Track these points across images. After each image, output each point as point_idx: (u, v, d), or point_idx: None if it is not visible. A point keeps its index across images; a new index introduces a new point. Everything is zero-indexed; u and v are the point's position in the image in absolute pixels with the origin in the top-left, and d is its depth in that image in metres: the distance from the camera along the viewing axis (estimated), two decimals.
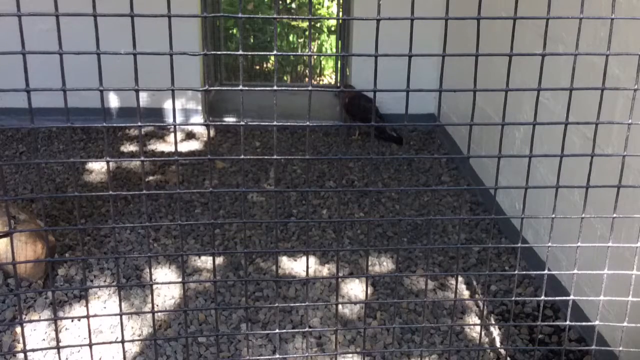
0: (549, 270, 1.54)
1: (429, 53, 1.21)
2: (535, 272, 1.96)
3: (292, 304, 2.35)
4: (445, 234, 3.75)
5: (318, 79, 7.68)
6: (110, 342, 1.50)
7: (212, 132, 5.20)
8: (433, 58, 4.99)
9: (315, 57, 7.56)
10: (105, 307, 3.02)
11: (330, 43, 8.04)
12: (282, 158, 2.22)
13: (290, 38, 8.09)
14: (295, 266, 3.42)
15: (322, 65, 7.80)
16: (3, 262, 3.07)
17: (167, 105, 5.24)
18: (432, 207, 4.19)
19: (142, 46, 1.11)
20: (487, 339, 2.94)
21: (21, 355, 2.73)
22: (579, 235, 1.44)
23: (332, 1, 8.15)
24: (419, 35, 1.30)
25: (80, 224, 2.04)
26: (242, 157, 1.26)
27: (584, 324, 2.79)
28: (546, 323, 2.99)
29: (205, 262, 3.39)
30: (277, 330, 1.46)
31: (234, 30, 7.64)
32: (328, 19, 1.90)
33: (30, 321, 1.82)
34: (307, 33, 7.86)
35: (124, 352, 1.48)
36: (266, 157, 1.36)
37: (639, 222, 2.31)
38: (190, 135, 5.12)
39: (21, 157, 4.62)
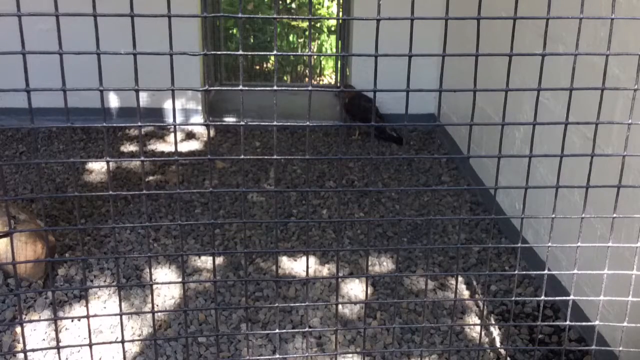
0: (549, 270, 1.54)
1: (429, 53, 1.21)
2: (535, 272, 1.96)
3: (292, 304, 2.35)
4: (445, 234, 3.75)
5: (318, 79, 7.68)
6: (110, 342, 1.50)
7: (212, 132, 5.20)
8: (433, 58, 4.99)
9: (315, 57, 7.56)
10: (105, 307, 3.02)
11: (330, 43, 8.04)
12: (282, 158, 2.22)
13: (290, 38, 8.09)
14: (295, 266, 3.42)
15: (322, 65, 7.80)
16: (3, 262, 3.07)
17: (167, 105, 5.24)
18: (432, 207, 4.19)
19: (142, 46, 1.11)
20: (487, 339, 2.94)
21: (21, 355, 2.73)
22: (579, 235, 1.44)
23: (332, 1, 8.16)
24: (419, 35, 1.30)
25: (80, 224, 2.05)
26: (242, 157, 1.26)
27: (584, 324, 2.79)
28: (546, 323, 2.99)
29: (205, 262, 3.39)
30: (277, 330, 1.46)
31: (234, 30, 7.64)
32: (328, 19, 1.90)
33: (30, 321, 1.82)
34: (307, 33, 7.86)
35: (124, 352, 1.48)
36: (266, 157, 1.36)
37: (639, 222, 2.31)
38: (190, 135, 5.12)
39: (21, 157, 4.62)
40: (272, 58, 6.78)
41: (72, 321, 2.91)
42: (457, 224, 3.82)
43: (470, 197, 4.21)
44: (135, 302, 3.08)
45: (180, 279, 3.30)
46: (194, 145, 4.97)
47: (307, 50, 6.14)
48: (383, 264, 3.47)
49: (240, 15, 1.12)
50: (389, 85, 1.40)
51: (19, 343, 2.77)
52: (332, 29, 7.78)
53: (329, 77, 7.72)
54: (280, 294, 3.16)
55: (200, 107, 5.30)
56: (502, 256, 3.55)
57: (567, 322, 1.55)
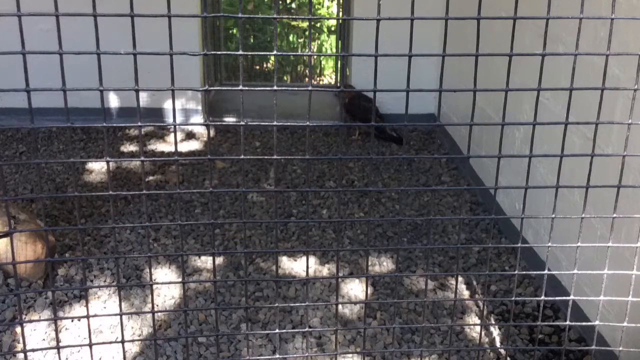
0: (549, 270, 1.54)
1: (429, 53, 1.21)
2: (535, 272, 1.96)
3: (292, 304, 2.35)
4: (445, 234, 3.75)
5: (318, 79, 7.68)
6: (110, 342, 1.50)
7: (212, 132, 5.20)
8: (433, 58, 4.99)
9: (315, 57, 7.56)
10: (105, 307, 3.02)
11: (330, 43, 8.04)
12: (282, 158, 2.22)
13: (290, 38, 8.09)
14: (295, 266, 3.42)
15: (322, 65, 7.80)
16: (3, 262, 3.07)
17: (167, 105, 5.24)
18: (432, 207, 4.20)
19: (142, 46, 1.11)
20: (487, 339, 2.94)
21: (21, 355, 2.73)
22: (579, 235, 1.44)
23: (332, 1, 8.16)
24: (419, 35, 1.30)
25: (80, 224, 2.05)
26: (242, 157, 1.26)
27: (584, 324, 2.79)
28: (546, 323, 2.99)
29: (205, 262, 3.39)
30: (277, 330, 1.46)
31: (234, 30, 7.64)
32: (328, 19, 1.90)
33: (30, 321, 1.82)
34: (307, 33, 7.86)
35: (124, 352, 1.48)
36: (266, 157, 1.36)
37: (639, 222, 2.31)
38: (190, 135, 5.12)
39: (21, 157, 4.62)
40: (272, 58, 6.77)
41: (72, 321, 2.91)
42: (457, 224, 3.82)
43: (470, 197, 4.21)
44: (135, 302, 3.08)
45: (180, 279, 3.30)
46: (194, 145, 4.97)
47: (307, 50, 6.14)
48: (383, 264, 3.47)
49: (240, 15, 1.12)
50: (389, 85, 1.40)
51: (19, 343, 2.77)
52: (332, 29, 7.78)
53: (329, 77, 7.72)
54: (280, 294, 3.16)
55: (200, 107, 5.30)
56: (502, 256, 3.55)
57: (567, 322, 1.55)
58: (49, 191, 4.12)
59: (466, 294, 3.26)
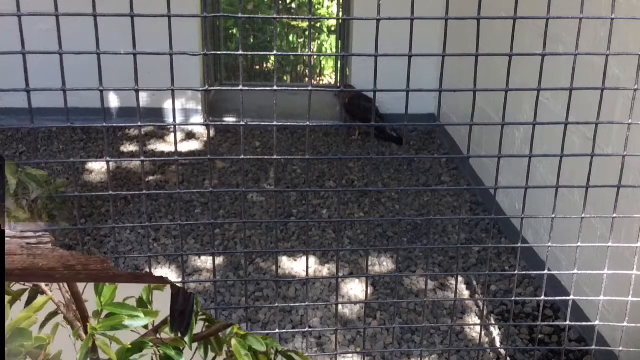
0: (549, 270, 1.54)
1: (429, 53, 1.21)
2: (535, 272, 1.96)
3: (292, 304, 2.35)
4: (445, 234, 3.75)
5: (318, 79, 7.68)
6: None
7: (212, 132, 5.20)
8: (433, 58, 4.99)
9: (315, 57, 7.56)
10: None
11: (330, 43, 8.04)
12: (282, 158, 2.23)
13: (290, 38, 8.09)
14: (295, 266, 3.42)
15: (322, 65, 7.80)
16: None
17: (167, 105, 5.24)
18: (432, 207, 4.19)
19: (142, 46, 1.11)
20: (487, 339, 2.94)
21: None
22: (579, 235, 1.44)
23: (332, 1, 8.16)
24: (419, 35, 1.30)
25: (80, 224, 2.05)
26: (242, 157, 1.26)
27: (584, 324, 2.79)
28: (546, 323, 2.99)
29: (205, 262, 3.39)
30: (277, 330, 1.47)
31: (234, 30, 7.64)
32: (328, 19, 1.90)
33: None
34: (307, 33, 7.86)
35: None
36: (266, 157, 1.36)
37: (639, 222, 2.31)
38: (190, 135, 5.12)
39: (21, 157, 4.62)
40: (272, 58, 6.78)
41: None
42: (457, 224, 3.82)
43: (470, 197, 4.21)
44: None
45: (180, 279, 3.30)
46: (194, 145, 4.97)
47: (307, 50, 6.14)
48: (383, 264, 3.47)
49: (240, 15, 1.12)
50: (389, 85, 1.40)
51: None
52: (332, 29, 7.77)
53: (329, 77, 7.72)
54: (280, 294, 3.16)
55: (200, 107, 5.30)
56: (502, 256, 3.55)
57: (567, 322, 1.55)
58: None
59: (466, 294, 3.26)
